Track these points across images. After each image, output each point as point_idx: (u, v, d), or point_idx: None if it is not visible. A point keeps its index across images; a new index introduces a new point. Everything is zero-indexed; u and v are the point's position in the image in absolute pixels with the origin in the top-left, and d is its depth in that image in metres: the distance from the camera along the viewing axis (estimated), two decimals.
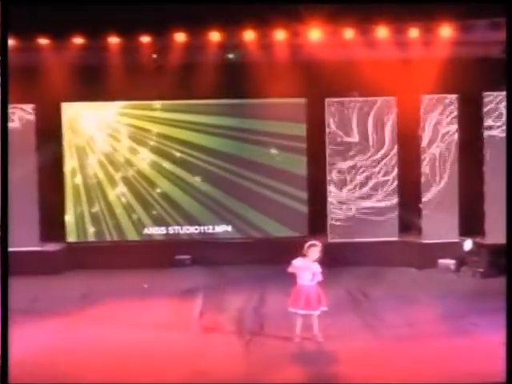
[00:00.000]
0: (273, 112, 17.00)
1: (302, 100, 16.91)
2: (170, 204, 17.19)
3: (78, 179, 17.07)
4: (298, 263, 11.01)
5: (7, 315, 9.47)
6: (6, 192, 10.45)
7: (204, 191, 17.18)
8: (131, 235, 17.18)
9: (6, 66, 10.81)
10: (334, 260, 13.86)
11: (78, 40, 15.32)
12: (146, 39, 15.52)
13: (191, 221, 17.18)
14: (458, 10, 13.79)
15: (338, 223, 16.74)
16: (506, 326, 9.15)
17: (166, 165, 17.18)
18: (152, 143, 17.16)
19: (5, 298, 9.36)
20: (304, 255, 11.01)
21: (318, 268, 11.00)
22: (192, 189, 17.19)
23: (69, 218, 17.05)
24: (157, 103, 17.09)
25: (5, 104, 11.06)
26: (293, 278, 11.11)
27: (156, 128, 17.14)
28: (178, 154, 17.17)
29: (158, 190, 17.18)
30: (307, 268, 10.95)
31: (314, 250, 11.01)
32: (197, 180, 17.19)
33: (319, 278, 11.00)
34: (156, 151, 17.16)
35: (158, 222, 17.18)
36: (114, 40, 15.48)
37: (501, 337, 10.77)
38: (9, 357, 9.31)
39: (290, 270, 11.04)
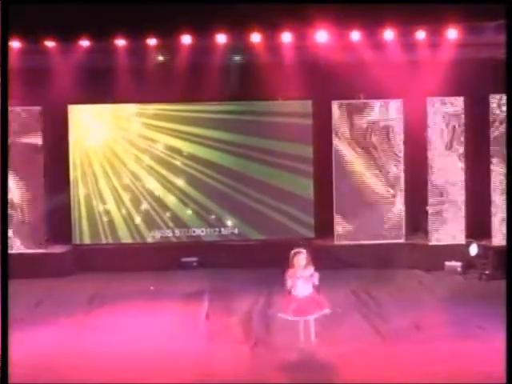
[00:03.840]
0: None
1: (308, 102, 16.92)
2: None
3: (85, 181, 17.07)
4: (290, 277, 10.91)
5: (7, 316, 9.47)
6: (5, 192, 10.46)
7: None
8: (137, 238, 17.21)
9: (6, 66, 10.82)
10: (340, 262, 13.86)
11: (85, 42, 15.33)
12: (152, 41, 15.49)
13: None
14: (464, 13, 13.76)
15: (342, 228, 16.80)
16: (506, 326, 9.11)
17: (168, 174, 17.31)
18: (160, 154, 17.24)
19: (5, 299, 9.36)
20: (292, 266, 10.93)
21: (312, 271, 10.88)
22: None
23: (75, 220, 17.04)
24: (165, 112, 17.14)
25: (5, 104, 11.07)
26: None
27: (163, 139, 17.20)
28: (179, 164, 17.25)
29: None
30: (298, 277, 10.87)
31: (300, 257, 10.93)
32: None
33: (316, 282, 10.88)
34: (162, 162, 17.23)
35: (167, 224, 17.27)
36: (120, 42, 15.48)
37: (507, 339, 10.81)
38: (9, 357, 9.30)
39: (289, 287, 10.92)
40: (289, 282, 10.89)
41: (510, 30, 11.46)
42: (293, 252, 11.00)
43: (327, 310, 10.94)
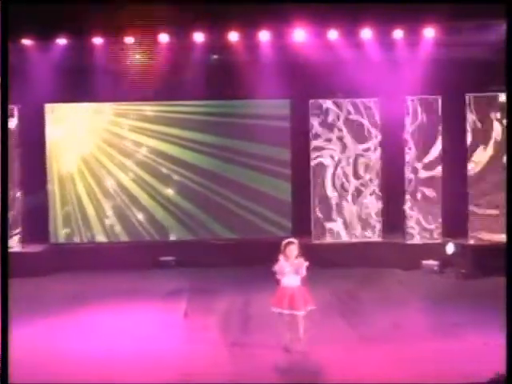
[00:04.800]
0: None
1: (286, 101, 16.95)
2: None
3: (62, 180, 17.03)
4: (281, 266, 10.94)
5: (7, 316, 9.42)
6: (5, 192, 10.42)
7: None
8: (113, 237, 17.25)
9: (6, 66, 10.76)
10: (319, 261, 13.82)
11: (62, 40, 15.25)
12: (131, 40, 15.44)
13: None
14: (443, 12, 13.82)
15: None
16: (507, 325, 9.14)
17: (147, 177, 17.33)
18: (137, 154, 17.29)
19: (5, 299, 9.32)
20: (283, 255, 10.96)
21: (302, 263, 10.87)
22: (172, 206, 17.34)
23: (52, 218, 16.98)
24: (143, 112, 17.18)
25: (5, 104, 11.02)
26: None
27: (141, 139, 17.24)
28: (155, 164, 17.29)
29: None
30: (289, 267, 10.88)
31: (292, 247, 10.92)
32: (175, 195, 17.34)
33: (303, 273, 10.91)
34: (138, 162, 17.27)
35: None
36: (98, 41, 15.41)
37: (484, 337, 10.88)
38: (9, 357, 9.25)
39: (279, 276, 10.93)
40: (282, 270, 10.80)
41: (510, 30, 11.49)
42: (284, 242, 10.96)
43: (313, 307, 10.92)
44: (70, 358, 10.62)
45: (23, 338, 11.37)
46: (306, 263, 10.87)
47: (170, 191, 17.29)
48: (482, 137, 16.23)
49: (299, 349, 10.67)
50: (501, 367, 8.52)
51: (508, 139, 12.14)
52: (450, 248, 15.89)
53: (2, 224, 9.96)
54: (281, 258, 10.89)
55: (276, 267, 10.87)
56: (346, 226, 16.80)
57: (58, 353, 10.90)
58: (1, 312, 9.18)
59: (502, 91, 15.90)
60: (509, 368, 8.42)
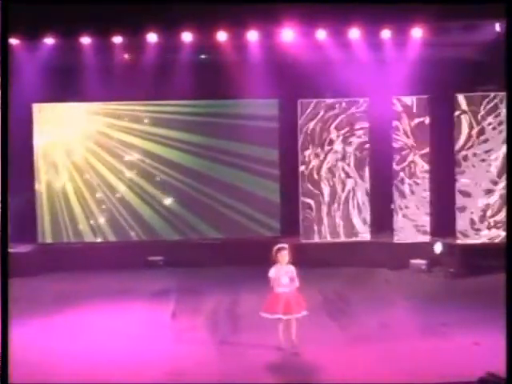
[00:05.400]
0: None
1: (275, 101, 16.95)
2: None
3: (50, 180, 17.00)
4: (275, 274, 10.88)
5: (7, 315, 9.38)
6: (5, 193, 10.40)
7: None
8: (101, 237, 17.21)
9: (6, 66, 10.73)
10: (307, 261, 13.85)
11: (50, 40, 15.20)
12: (119, 40, 15.40)
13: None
14: (431, 12, 13.84)
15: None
16: (506, 325, 9.16)
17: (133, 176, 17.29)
18: (124, 154, 17.24)
19: (5, 298, 9.29)
20: (275, 262, 10.92)
21: (293, 271, 10.86)
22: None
23: (40, 218, 16.94)
24: (131, 112, 17.13)
25: (5, 104, 10.99)
26: (268, 278, 11.04)
27: (128, 138, 17.20)
28: (141, 164, 17.25)
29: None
30: (284, 273, 10.85)
31: (283, 253, 10.89)
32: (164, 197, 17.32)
33: (296, 283, 10.85)
34: (127, 163, 17.24)
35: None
36: (85, 40, 15.35)
37: (472, 336, 10.92)
38: (9, 357, 9.21)
39: (274, 284, 10.87)
40: (278, 278, 10.79)
41: (510, 30, 11.52)
42: (276, 248, 10.95)
43: (305, 312, 10.89)
44: (57, 359, 10.62)
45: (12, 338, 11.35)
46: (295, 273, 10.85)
47: (157, 191, 17.26)
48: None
49: (292, 350, 10.67)
50: (490, 366, 8.54)
51: (508, 139, 12.15)
52: (438, 247, 15.93)
53: (1, 224, 9.93)
54: (274, 266, 10.85)
55: (271, 275, 10.83)
56: (334, 225, 16.79)
57: (46, 353, 10.90)
58: (1, 312, 9.16)
59: (490, 91, 15.98)
60: (509, 368, 8.43)
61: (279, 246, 11.01)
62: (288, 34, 15.12)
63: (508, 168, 11.57)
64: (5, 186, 10.47)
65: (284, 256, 10.86)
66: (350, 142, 16.75)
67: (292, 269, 10.89)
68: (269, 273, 10.85)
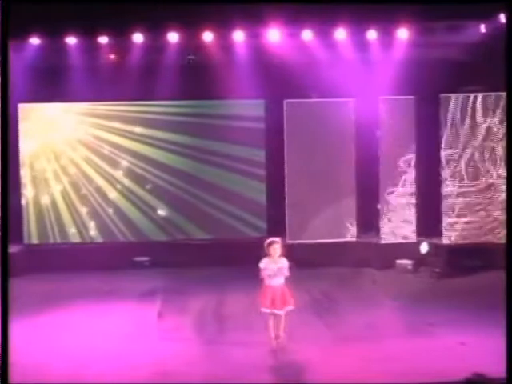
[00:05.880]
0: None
1: (261, 102, 16.95)
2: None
3: (36, 180, 16.95)
4: (265, 265, 10.95)
5: (7, 315, 9.36)
6: (5, 193, 10.38)
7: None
8: (87, 238, 17.14)
9: (6, 66, 10.69)
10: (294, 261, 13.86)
11: (36, 40, 15.17)
12: (104, 40, 15.38)
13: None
14: (416, 13, 13.89)
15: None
16: (506, 325, 9.20)
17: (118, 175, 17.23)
18: (111, 155, 17.15)
19: (5, 298, 9.26)
20: (266, 255, 10.96)
21: (285, 262, 10.95)
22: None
23: (26, 219, 16.90)
24: (117, 113, 17.06)
25: (5, 104, 10.96)
26: (255, 278, 11.07)
27: (115, 139, 17.11)
28: (127, 164, 17.18)
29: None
30: (276, 265, 10.90)
31: (275, 247, 10.96)
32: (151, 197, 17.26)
33: (286, 273, 10.94)
34: (113, 163, 17.15)
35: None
36: (71, 40, 15.33)
37: (459, 336, 10.96)
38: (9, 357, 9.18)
39: (263, 274, 10.93)
40: (267, 269, 10.85)
41: (510, 30, 11.56)
42: (267, 241, 11.01)
43: (291, 307, 10.99)
44: (43, 359, 10.59)
45: None
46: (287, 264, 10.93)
47: (144, 192, 17.23)
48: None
49: (279, 346, 10.69)
50: (476, 366, 8.57)
51: (508, 139, 12.18)
52: (424, 247, 15.98)
53: (2, 224, 9.92)
54: (265, 259, 10.92)
55: (261, 265, 10.88)
56: (321, 225, 16.80)
57: (31, 353, 10.86)
58: (1, 312, 9.14)
59: (476, 91, 16.03)
60: (509, 368, 8.46)
61: (271, 239, 11.07)
62: (274, 35, 15.17)
63: (508, 168, 11.59)
64: (5, 186, 10.44)
65: (276, 249, 10.94)
66: (336, 142, 16.77)
67: (284, 260, 10.96)
68: (259, 264, 10.91)
